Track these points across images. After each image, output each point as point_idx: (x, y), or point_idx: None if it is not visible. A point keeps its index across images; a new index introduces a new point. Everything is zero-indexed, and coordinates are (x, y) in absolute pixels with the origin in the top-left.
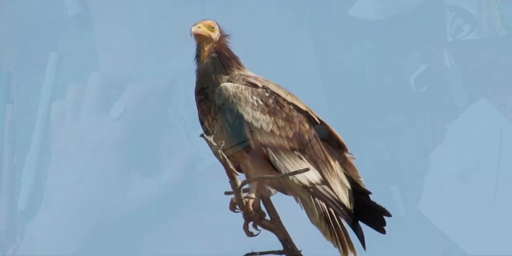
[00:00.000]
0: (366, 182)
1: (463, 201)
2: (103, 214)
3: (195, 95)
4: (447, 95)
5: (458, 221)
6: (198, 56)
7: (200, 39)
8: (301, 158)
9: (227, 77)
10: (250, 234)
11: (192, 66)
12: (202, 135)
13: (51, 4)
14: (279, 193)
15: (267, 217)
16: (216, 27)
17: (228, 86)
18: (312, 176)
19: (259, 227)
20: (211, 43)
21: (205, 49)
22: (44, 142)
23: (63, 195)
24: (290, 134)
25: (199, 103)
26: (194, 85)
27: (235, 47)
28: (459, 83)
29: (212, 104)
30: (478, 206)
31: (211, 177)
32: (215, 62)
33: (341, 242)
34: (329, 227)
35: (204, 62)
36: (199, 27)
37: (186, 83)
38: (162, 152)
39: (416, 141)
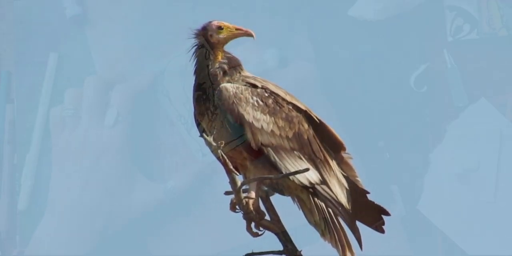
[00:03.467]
0: (366, 182)
1: (463, 201)
2: (109, 219)
3: (194, 92)
4: (447, 95)
5: (458, 221)
6: (207, 56)
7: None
8: (300, 158)
9: (227, 78)
10: (255, 235)
11: (189, 65)
12: (201, 136)
13: (51, 5)
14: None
15: (267, 217)
16: None
17: (228, 87)
18: (311, 176)
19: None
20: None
21: (220, 51)
22: (44, 143)
23: (68, 202)
24: (290, 134)
25: (198, 103)
26: (196, 81)
27: (232, 48)
28: (459, 83)
29: (212, 104)
30: (478, 206)
31: (215, 171)
32: (227, 64)
33: (340, 242)
34: (328, 227)
35: (217, 64)
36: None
37: (184, 81)
38: (164, 152)
39: (416, 141)
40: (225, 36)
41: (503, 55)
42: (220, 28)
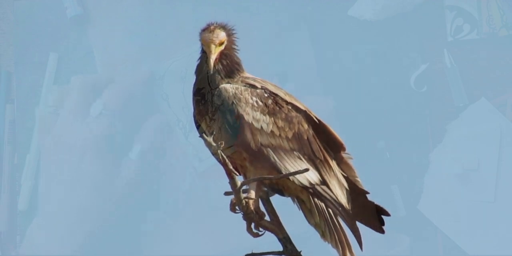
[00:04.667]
0: (365, 182)
1: (463, 201)
2: (109, 219)
3: (193, 95)
4: (447, 95)
5: (458, 221)
6: (206, 58)
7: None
8: (300, 159)
9: (226, 80)
10: (255, 235)
11: (189, 66)
12: (201, 136)
13: (51, 4)
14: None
15: (267, 218)
16: (225, 37)
17: (228, 87)
18: (311, 176)
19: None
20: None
21: (218, 53)
22: (44, 143)
23: (66, 202)
24: (290, 135)
25: (197, 104)
26: (195, 85)
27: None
28: (459, 83)
29: (210, 105)
30: (478, 206)
31: (211, 177)
32: (224, 68)
33: (340, 242)
34: (328, 227)
35: (215, 67)
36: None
37: (184, 83)
38: (160, 154)
39: (416, 141)
40: (205, 49)
41: (503, 55)
42: (202, 44)
